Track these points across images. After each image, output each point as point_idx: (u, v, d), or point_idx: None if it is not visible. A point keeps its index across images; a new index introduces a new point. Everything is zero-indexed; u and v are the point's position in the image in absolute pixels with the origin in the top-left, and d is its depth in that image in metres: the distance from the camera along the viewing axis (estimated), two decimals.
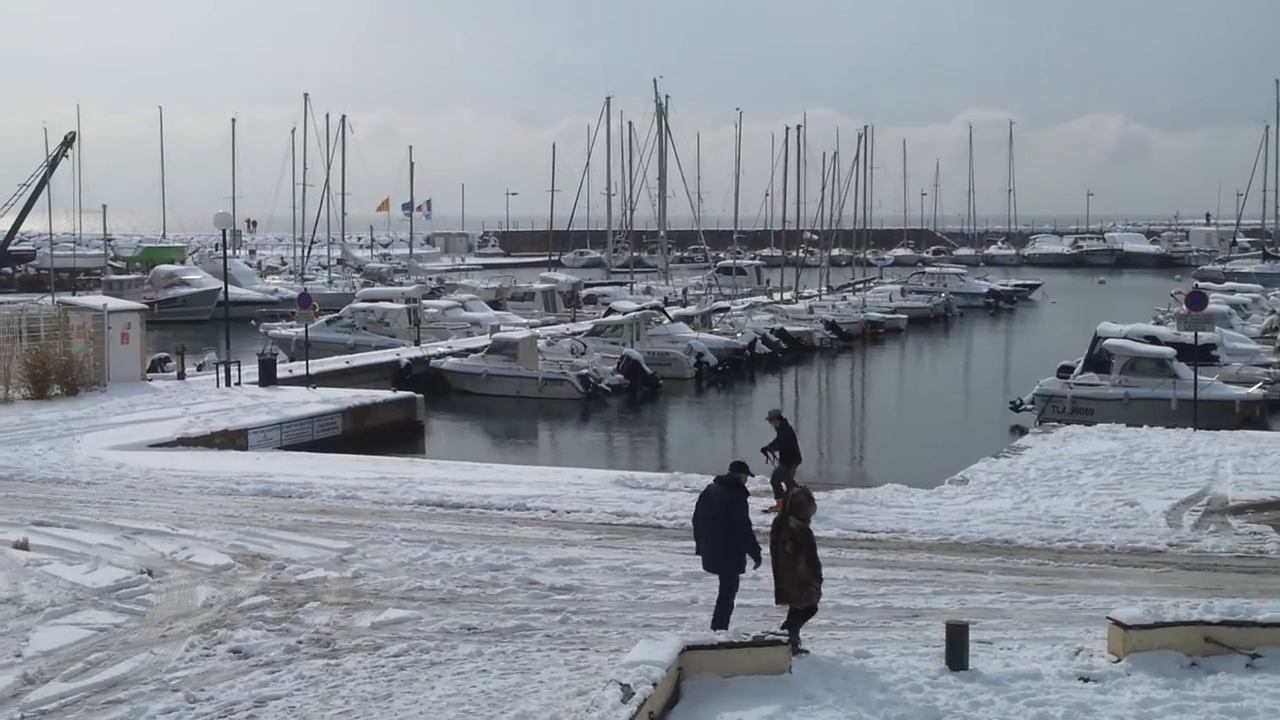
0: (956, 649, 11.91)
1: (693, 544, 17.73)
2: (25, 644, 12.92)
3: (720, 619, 13.10)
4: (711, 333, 54.20)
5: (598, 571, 16.13)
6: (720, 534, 13.22)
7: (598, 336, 50.13)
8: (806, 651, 12.32)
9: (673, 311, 57.88)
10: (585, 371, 44.21)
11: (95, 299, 42.43)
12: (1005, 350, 67.28)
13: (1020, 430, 34.11)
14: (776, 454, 21.09)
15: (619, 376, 45.31)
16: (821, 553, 17.23)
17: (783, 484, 20.39)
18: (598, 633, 13.59)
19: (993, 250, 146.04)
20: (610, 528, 19.07)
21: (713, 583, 15.50)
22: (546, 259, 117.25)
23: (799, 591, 12.42)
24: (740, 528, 13.13)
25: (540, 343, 47.37)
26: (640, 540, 18.14)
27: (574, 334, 52.29)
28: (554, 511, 20.20)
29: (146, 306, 42.93)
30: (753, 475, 13.71)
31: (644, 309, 54.80)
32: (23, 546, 17.07)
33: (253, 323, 56.16)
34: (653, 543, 17.98)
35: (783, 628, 12.37)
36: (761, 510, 19.60)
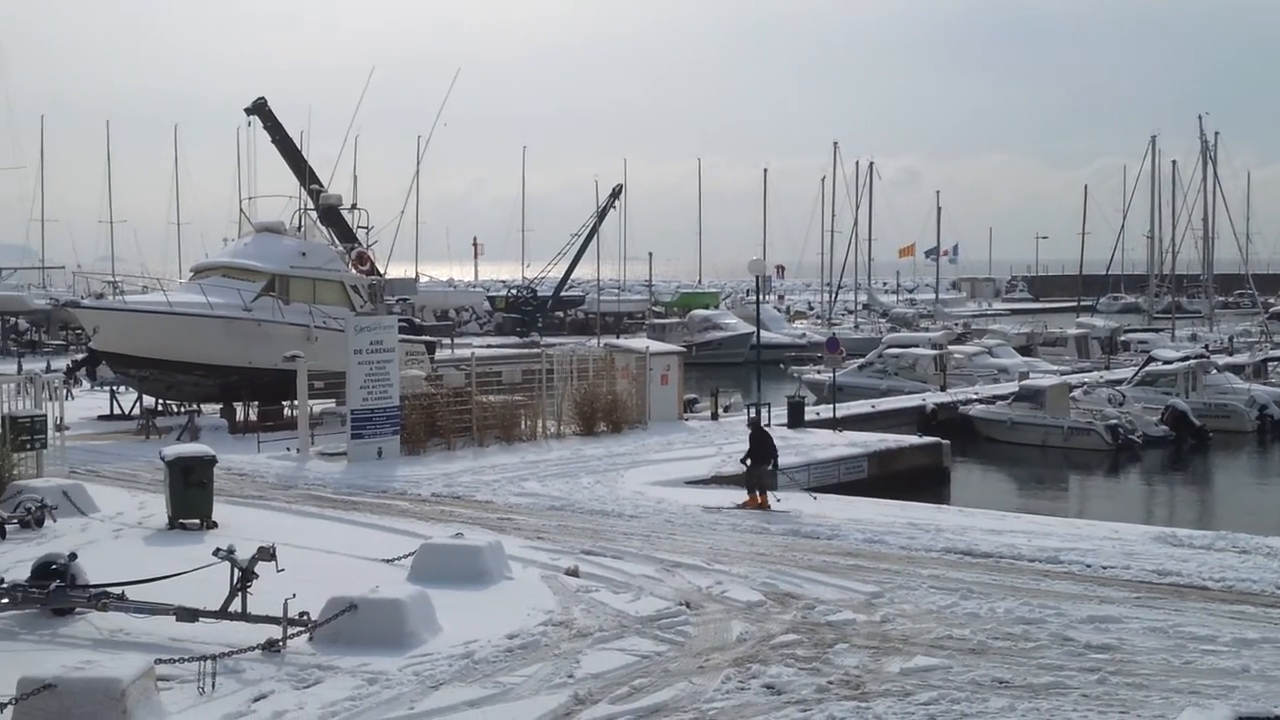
0: None
1: (1242, 608, 16.74)
2: (576, 665, 13.75)
3: None
4: (1265, 383, 50.55)
5: (1137, 631, 15.32)
6: None
7: (1149, 386, 47.86)
8: None
9: (1219, 360, 54.40)
10: (1114, 422, 42.35)
11: (638, 342, 44.87)
12: None
13: None
14: (749, 460, 25.09)
15: (1163, 428, 43.09)
16: None
17: (756, 481, 24.76)
18: (1138, 696, 12.90)
19: None
20: (1150, 586, 18.08)
21: (1264, 652, 14.43)
22: (1076, 304, 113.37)
23: None
24: None
25: (1077, 391, 45.84)
26: (1184, 601, 17.09)
27: (1112, 382, 50.21)
28: (1088, 566, 19.39)
29: (685, 349, 44.96)
30: None
31: (1190, 357, 51.87)
32: (573, 573, 18.24)
33: (781, 366, 57.64)
34: (1198, 604, 16.90)
35: None
36: (735, 505, 24.29)
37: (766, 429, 26.49)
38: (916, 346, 57.37)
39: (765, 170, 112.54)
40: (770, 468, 25.57)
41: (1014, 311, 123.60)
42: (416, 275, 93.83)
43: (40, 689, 10.98)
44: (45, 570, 15.35)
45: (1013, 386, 48.02)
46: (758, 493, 24.84)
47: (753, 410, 34.74)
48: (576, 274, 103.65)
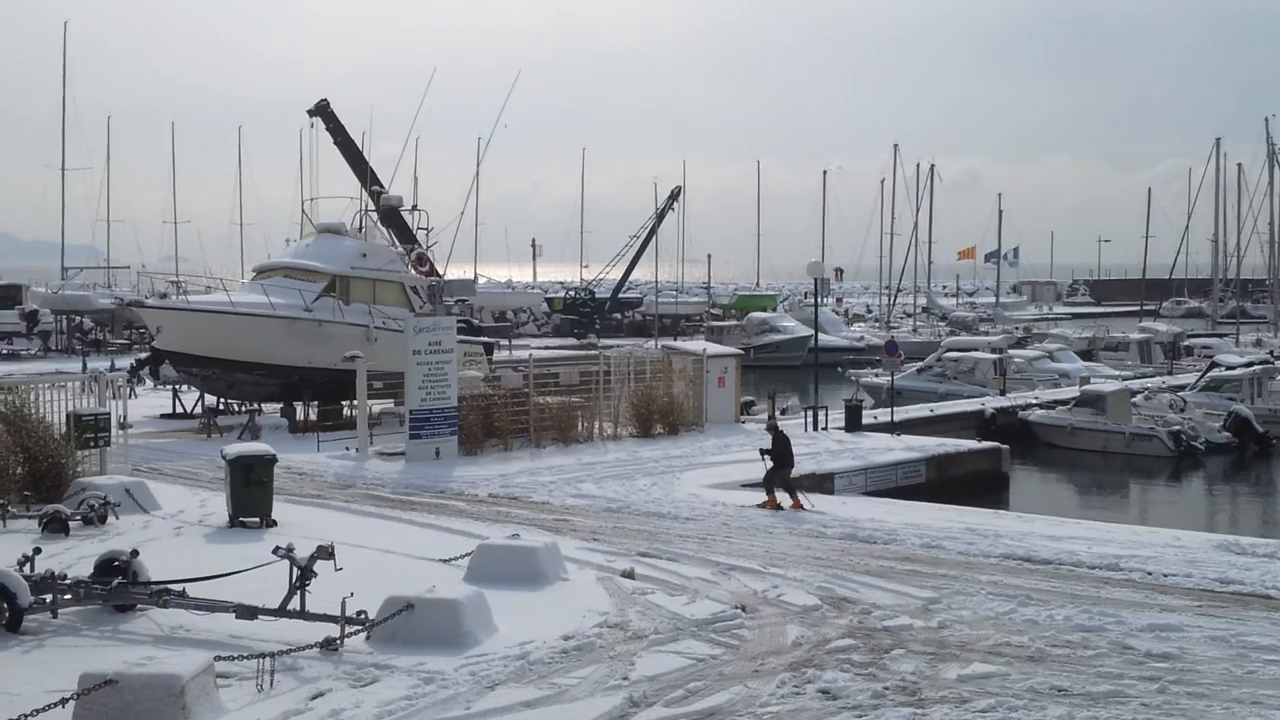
0: None
1: None
2: (631, 668, 13.75)
3: None
4: None
5: (1199, 641, 15.14)
6: None
7: (1214, 391, 47.26)
8: None
9: None
10: (1177, 428, 41.87)
11: (695, 344, 44.84)
12: None
13: None
14: (769, 457, 25.34)
15: (1226, 434, 42.55)
16: None
17: (780, 484, 25.16)
18: (1199, 706, 12.74)
19: None
20: (1212, 595, 17.87)
21: None
22: (1139, 308, 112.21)
23: None
24: None
25: (1138, 396, 45.37)
26: (1246, 610, 16.87)
27: (1174, 387, 49.65)
28: (1149, 574, 19.18)
29: (742, 352, 44.87)
30: None
31: (1255, 363, 51.14)
32: (629, 575, 18.25)
33: (839, 369, 57.42)
34: (1260, 614, 16.67)
35: None
36: (755, 505, 24.82)
37: (785, 431, 26.76)
38: (976, 350, 56.98)
39: (824, 172, 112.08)
40: (788, 469, 25.75)
41: (1075, 315, 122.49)
42: (475, 276, 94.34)
43: (102, 684, 11.13)
44: (108, 567, 15.57)
45: (1074, 391, 47.58)
46: (789, 494, 25.17)
47: (778, 412, 34.84)
48: (635, 276, 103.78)
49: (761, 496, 25.43)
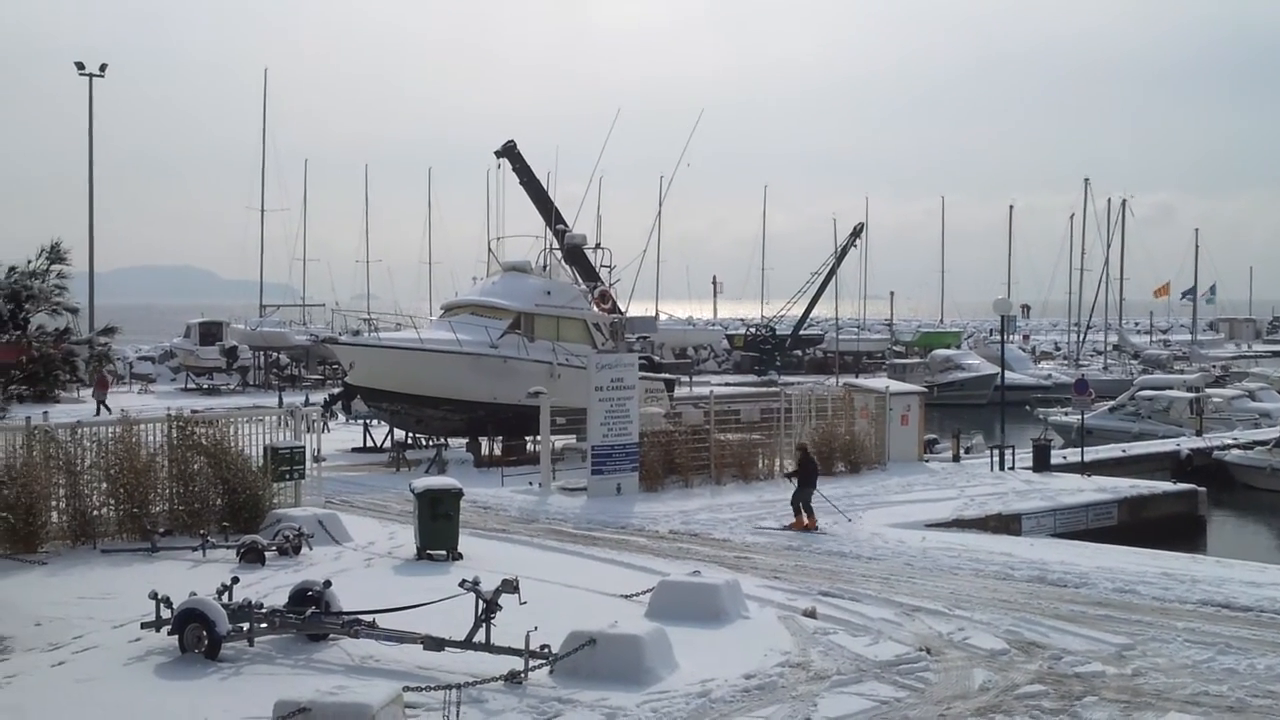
0: None
1: None
2: (814, 709, 13.62)
3: None
4: None
5: None
6: None
7: None
8: None
9: None
10: None
11: (878, 381, 44.36)
12: None
13: None
14: (795, 478, 26.63)
15: None
16: None
17: (800, 503, 26.18)
18: None
19: None
20: None
21: None
22: None
23: None
24: None
25: None
26: None
27: None
28: None
29: (926, 390, 44.26)
30: None
31: None
32: (811, 615, 18.09)
33: (1027, 408, 56.16)
34: None
35: None
36: (781, 528, 25.90)
37: (813, 454, 28.03)
38: (1171, 389, 55.28)
39: (1010, 207, 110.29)
40: (811, 489, 26.69)
41: (1276, 354, 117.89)
42: (656, 313, 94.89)
43: (295, 712, 11.44)
44: (302, 597, 16.03)
45: (1275, 432, 45.81)
46: (804, 514, 26.21)
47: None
48: (816, 313, 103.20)
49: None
